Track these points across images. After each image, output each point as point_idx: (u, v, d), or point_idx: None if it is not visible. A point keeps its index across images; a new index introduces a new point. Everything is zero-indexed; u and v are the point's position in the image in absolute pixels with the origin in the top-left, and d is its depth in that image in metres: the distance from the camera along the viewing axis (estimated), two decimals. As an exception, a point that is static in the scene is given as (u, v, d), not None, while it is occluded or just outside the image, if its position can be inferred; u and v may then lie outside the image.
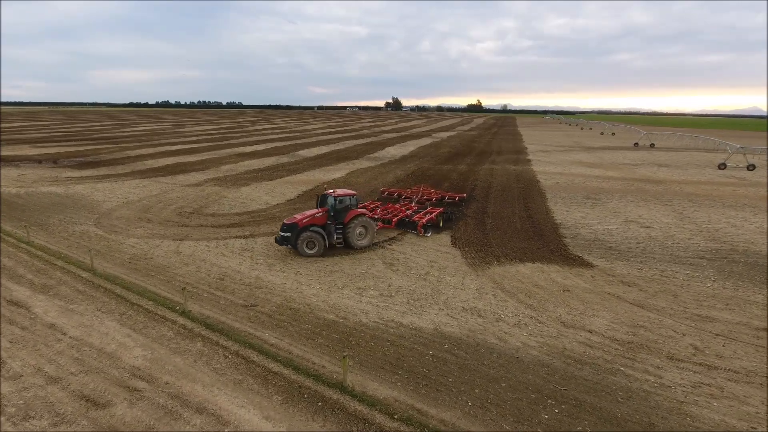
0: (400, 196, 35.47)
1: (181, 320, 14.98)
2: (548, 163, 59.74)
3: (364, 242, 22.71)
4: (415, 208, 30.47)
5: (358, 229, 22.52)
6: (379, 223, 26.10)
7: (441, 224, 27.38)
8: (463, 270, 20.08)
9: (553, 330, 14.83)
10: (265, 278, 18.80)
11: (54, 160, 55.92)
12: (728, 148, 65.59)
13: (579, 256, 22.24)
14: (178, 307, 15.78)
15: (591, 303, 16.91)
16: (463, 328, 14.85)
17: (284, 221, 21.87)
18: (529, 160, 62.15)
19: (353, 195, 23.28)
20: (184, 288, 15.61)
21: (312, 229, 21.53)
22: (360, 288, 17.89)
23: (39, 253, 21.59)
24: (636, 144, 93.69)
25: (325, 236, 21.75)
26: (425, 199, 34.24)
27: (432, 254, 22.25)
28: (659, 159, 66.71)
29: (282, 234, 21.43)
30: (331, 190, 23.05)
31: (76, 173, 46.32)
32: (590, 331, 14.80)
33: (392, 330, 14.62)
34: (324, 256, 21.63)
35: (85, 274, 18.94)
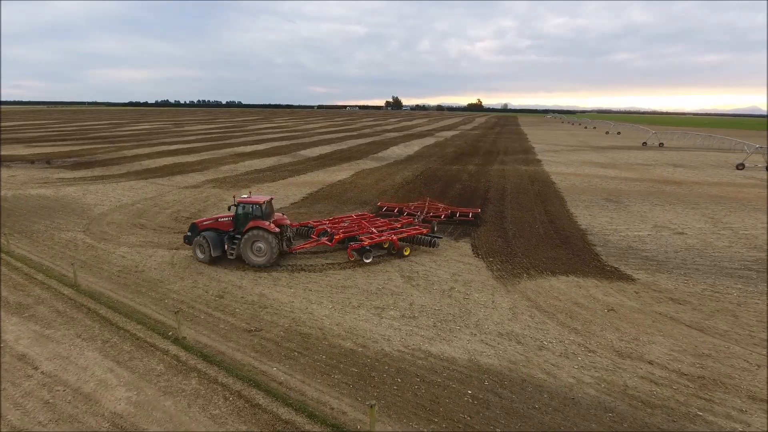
0: (401, 211, 28.89)
1: (173, 349, 12.87)
2: (559, 163, 57.63)
3: (259, 260, 19.18)
4: (401, 224, 24.65)
5: (256, 244, 19.14)
6: (294, 247, 21.26)
7: (407, 252, 21.22)
8: (490, 285, 17.98)
9: (607, 361, 12.73)
10: (270, 295, 16.69)
11: (47, 161, 53.79)
12: (746, 147, 63.52)
13: (615, 268, 20.15)
14: (170, 333, 13.68)
15: (642, 326, 14.81)
16: (503, 358, 12.75)
17: (193, 221, 21.53)
18: (539, 160, 60.05)
19: (260, 203, 19.64)
20: (178, 311, 13.48)
21: (205, 233, 19.87)
22: (378, 308, 15.78)
23: (18, 264, 19.48)
24: (644, 143, 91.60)
25: (219, 244, 19.84)
26: (432, 216, 27.99)
27: (454, 266, 20.14)
28: (672, 159, 64.63)
29: (187, 233, 20.84)
30: (246, 195, 20.67)
31: (68, 174, 44.17)
32: (650, 362, 12.71)
33: (420, 362, 12.53)
34: (326, 270, 19.54)
35: (67, 291, 16.83)
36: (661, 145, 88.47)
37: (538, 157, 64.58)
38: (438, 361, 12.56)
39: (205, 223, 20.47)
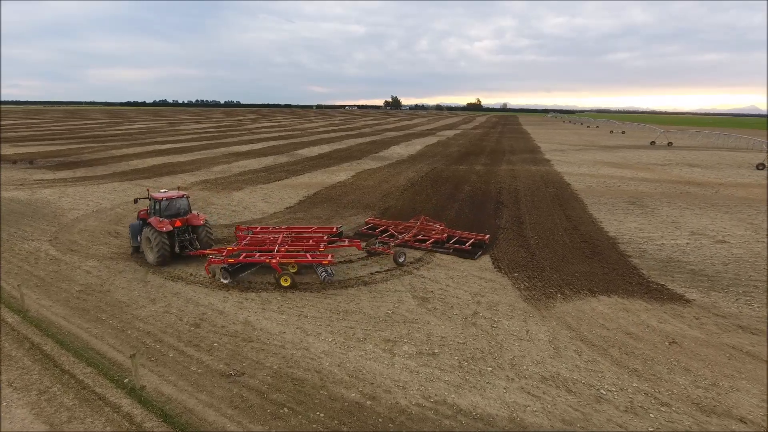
0: (385, 232, 23.31)
1: (127, 405, 9.96)
2: (569, 163, 54.79)
3: (150, 258, 18.79)
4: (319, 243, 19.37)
5: (149, 241, 18.72)
6: (197, 252, 19.13)
7: (286, 283, 16.39)
8: (521, 308, 15.10)
9: (688, 419, 9.86)
10: (258, 323, 13.79)
11: (30, 161, 50.83)
12: (766, 146, 60.74)
13: (662, 285, 17.30)
14: (127, 380, 10.77)
15: (716, 364, 11.96)
16: (553, 415, 9.88)
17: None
18: (548, 160, 57.24)
19: (158, 199, 19.14)
20: (134, 354, 10.57)
21: (133, 223, 20.13)
22: (389, 341, 12.89)
23: (-37, 283, 16.56)
24: (653, 142, 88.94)
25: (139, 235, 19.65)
26: (421, 238, 21.98)
27: (474, 283, 17.26)
28: (686, 158, 61.89)
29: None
30: (165, 190, 20.63)
31: (49, 175, 41.22)
32: (742, 420, 9.86)
33: (447, 421, 9.64)
34: (324, 289, 16.66)
35: (12, 319, 13.92)
36: (669, 144, 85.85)
37: (546, 156, 61.79)
38: (471, 420, 9.67)
39: (141, 212, 20.44)
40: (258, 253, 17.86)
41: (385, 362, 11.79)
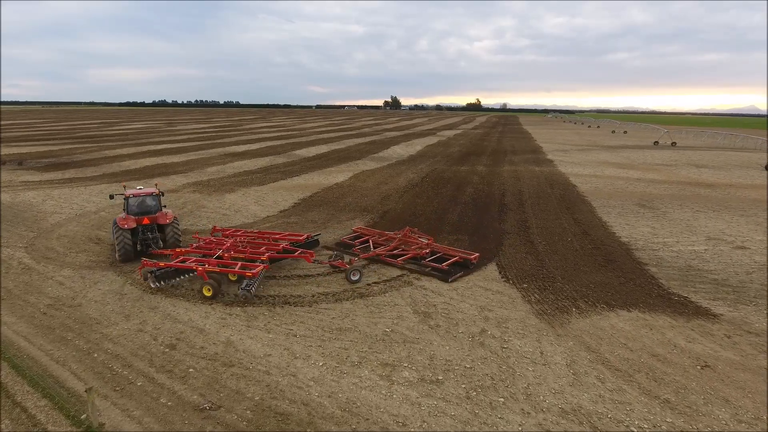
0: (365, 241, 21.02)
1: (81, 448, 8.55)
2: (573, 163, 53.39)
3: (116, 255, 18.69)
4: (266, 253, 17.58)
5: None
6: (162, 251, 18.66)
7: (207, 293, 15.12)
8: (533, 325, 13.69)
9: (736, 464, 8.46)
10: (241, 344, 12.37)
11: (20, 161, 49.35)
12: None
13: (684, 297, 15.90)
14: (84, 416, 9.35)
15: (757, 392, 10.56)
16: (578, 460, 8.47)
17: None
18: (551, 161, 55.85)
19: (126, 196, 19.44)
20: (90, 388, 9.13)
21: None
22: (387, 365, 11.47)
23: None
24: (656, 142, 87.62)
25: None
26: (397, 253, 19.25)
27: (480, 295, 15.85)
28: (692, 159, 60.56)
29: None
30: (140, 187, 20.56)
31: (36, 176, 39.76)
32: (798, 465, 8.45)
33: (455, 468, 8.23)
34: (317, 302, 15.26)
35: (-33, 338, 12.49)
36: (673, 144, 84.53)
37: (549, 157, 60.41)
38: (482, 467, 8.26)
39: None
40: (193, 259, 16.76)
41: (383, 392, 10.37)
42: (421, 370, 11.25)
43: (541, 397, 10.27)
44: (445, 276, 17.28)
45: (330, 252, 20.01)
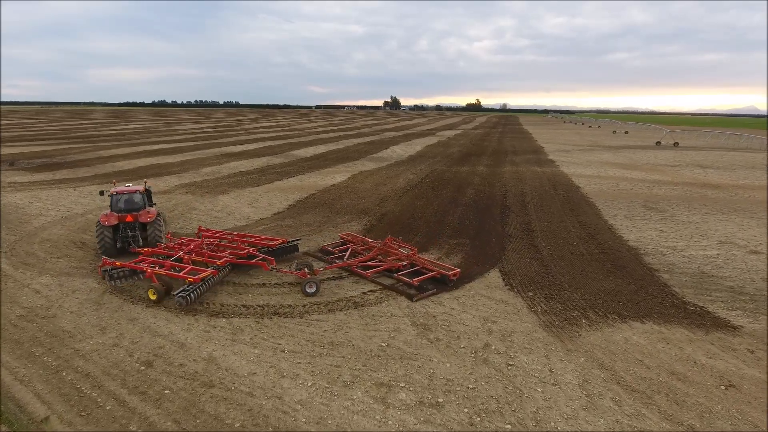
0: (346, 249, 19.41)
1: (35, 487, 7.56)
2: (576, 164, 52.45)
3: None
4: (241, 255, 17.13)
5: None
6: (136, 249, 18.19)
7: (152, 297, 14.56)
8: (540, 339, 12.70)
9: (775, 505, 7.48)
10: (223, 361, 11.38)
11: (11, 162, 48.37)
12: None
13: (701, 307, 14.92)
14: (42, 448, 8.36)
15: (790, 417, 9.58)
16: (596, 500, 7.48)
17: None
18: (553, 161, 54.91)
19: (111, 193, 19.68)
20: (47, 418, 8.17)
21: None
22: (382, 385, 10.48)
23: None
24: (658, 143, 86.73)
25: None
26: (371, 264, 17.57)
27: (483, 305, 14.86)
28: (695, 159, 59.65)
29: None
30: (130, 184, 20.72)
31: (25, 177, 38.76)
32: None
33: None
34: (308, 313, 14.27)
35: (-73, 354, 11.50)
36: (675, 144, 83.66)
37: (551, 157, 59.47)
38: None
39: None
40: (151, 260, 16.23)
41: (377, 417, 9.38)
42: (419, 391, 10.27)
43: (553, 423, 9.29)
44: (410, 293, 15.37)
45: (304, 259, 18.54)
